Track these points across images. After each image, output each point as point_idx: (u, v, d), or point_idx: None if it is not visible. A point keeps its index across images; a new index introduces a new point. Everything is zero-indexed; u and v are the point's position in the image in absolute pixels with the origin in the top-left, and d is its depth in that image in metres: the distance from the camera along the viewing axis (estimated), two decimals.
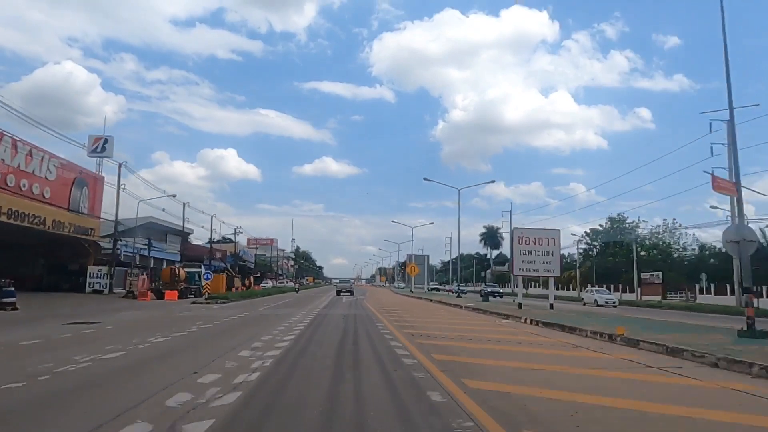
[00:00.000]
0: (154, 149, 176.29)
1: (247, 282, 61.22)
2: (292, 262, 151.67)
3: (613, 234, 74.72)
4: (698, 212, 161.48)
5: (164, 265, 45.26)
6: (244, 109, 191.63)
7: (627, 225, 74.17)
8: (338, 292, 51.62)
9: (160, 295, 33.70)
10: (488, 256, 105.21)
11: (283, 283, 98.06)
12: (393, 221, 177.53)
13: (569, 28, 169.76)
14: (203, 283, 38.16)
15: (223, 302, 29.84)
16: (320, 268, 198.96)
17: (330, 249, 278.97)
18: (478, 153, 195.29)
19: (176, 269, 38.98)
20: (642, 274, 59.48)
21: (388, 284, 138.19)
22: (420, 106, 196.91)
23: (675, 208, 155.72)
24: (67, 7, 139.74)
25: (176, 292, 35.21)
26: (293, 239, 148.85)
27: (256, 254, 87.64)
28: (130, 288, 38.91)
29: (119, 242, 41.42)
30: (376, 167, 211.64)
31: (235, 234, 65.15)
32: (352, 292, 51.73)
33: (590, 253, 79.45)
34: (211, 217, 59.09)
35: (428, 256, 79.90)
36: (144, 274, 43.61)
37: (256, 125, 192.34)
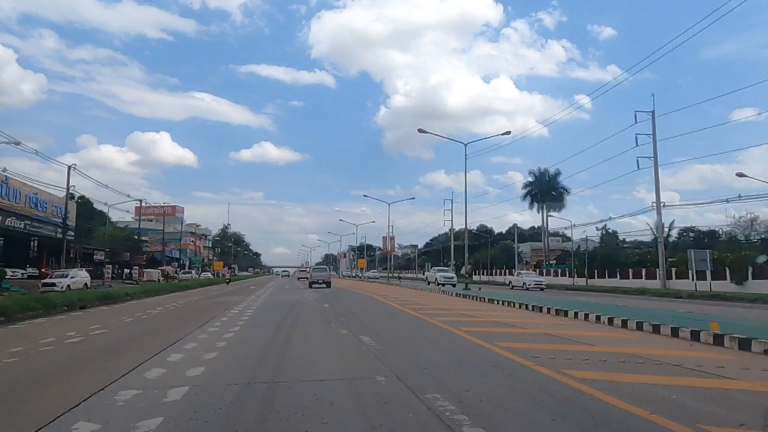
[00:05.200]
0: (80, 133, 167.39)
1: None
2: (205, 243, 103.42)
3: None
4: (627, 201, 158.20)
5: None
6: (178, 92, 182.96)
7: None
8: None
9: None
10: (543, 223, 62.14)
11: (191, 273, 66.74)
12: (341, 220, 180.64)
13: (509, 15, 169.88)
14: None
15: None
16: (257, 255, 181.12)
17: (271, 238, 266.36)
18: (421, 140, 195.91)
19: None
20: None
21: (377, 273, 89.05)
22: (361, 91, 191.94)
23: (606, 196, 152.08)
24: None
25: None
26: (229, 224, 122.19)
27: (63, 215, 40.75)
28: None
29: None
30: (317, 154, 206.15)
31: None
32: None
33: None
34: None
35: None
36: None
37: (190, 109, 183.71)
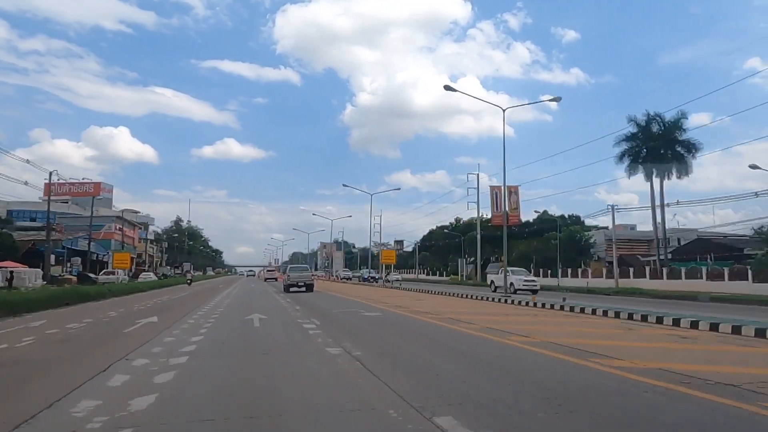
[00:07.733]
0: (33, 126, 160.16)
1: None
2: (143, 235, 76.47)
3: None
4: (589, 202, 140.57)
5: None
6: (137, 86, 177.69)
7: None
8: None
9: None
10: (653, 194, 37.94)
11: (117, 275, 49.89)
12: (313, 214, 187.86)
13: (476, 15, 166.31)
14: None
15: None
16: (217, 252, 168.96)
17: (235, 237, 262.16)
18: (387, 138, 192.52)
19: None
20: None
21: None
22: (328, 88, 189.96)
23: (568, 197, 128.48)
24: None
25: None
26: (189, 220, 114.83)
27: None
28: None
29: None
30: (282, 152, 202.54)
31: None
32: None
33: None
34: None
35: None
36: None
37: (151, 104, 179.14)
